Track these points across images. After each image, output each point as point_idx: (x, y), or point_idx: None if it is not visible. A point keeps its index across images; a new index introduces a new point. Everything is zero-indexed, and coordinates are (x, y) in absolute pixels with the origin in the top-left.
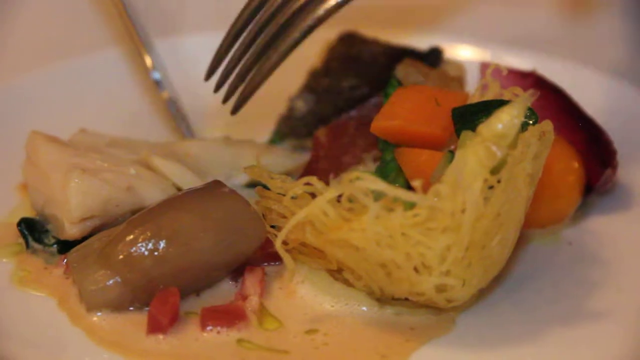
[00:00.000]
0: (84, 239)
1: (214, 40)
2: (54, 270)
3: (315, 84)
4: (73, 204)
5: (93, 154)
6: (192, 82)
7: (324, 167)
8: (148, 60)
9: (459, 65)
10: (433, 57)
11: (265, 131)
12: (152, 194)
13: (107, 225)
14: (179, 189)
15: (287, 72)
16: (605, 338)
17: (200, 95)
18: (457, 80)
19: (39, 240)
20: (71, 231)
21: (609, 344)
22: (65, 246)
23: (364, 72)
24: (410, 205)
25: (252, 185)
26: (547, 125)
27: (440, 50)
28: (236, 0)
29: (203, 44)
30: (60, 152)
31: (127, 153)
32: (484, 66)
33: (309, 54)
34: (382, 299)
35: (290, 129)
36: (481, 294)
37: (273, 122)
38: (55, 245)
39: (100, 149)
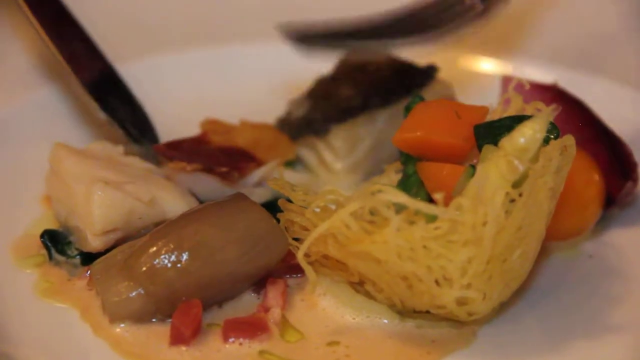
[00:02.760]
0: (107, 250)
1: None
2: (77, 282)
3: (317, 89)
4: (96, 216)
5: (114, 165)
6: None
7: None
8: None
9: (448, 85)
10: (427, 74)
11: None
12: (174, 206)
13: (129, 238)
14: (201, 201)
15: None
16: (626, 352)
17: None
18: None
19: (62, 252)
20: (94, 243)
21: (630, 358)
22: (88, 258)
23: (365, 83)
24: (432, 218)
25: None
26: (569, 140)
27: (436, 68)
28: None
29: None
30: (84, 164)
31: (142, 162)
32: (505, 80)
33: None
34: (404, 312)
35: (282, 132)
36: (502, 307)
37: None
38: (78, 257)
39: (116, 158)
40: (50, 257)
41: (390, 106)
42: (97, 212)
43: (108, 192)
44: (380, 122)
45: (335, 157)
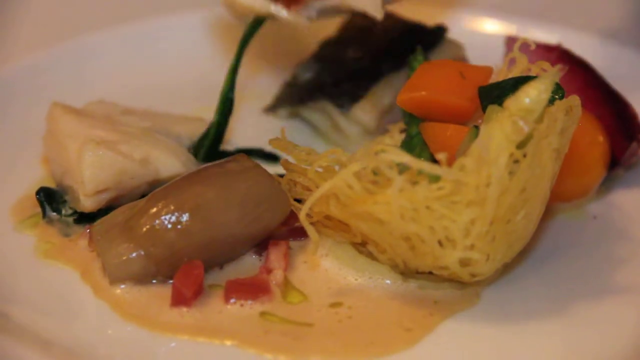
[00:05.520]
0: (102, 210)
1: None
2: (78, 242)
3: (324, 52)
4: (86, 176)
5: (111, 124)
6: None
7: None
8: None
9: (459, 45)
10: (437, 35)
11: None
12: (169, 165)
13: (123, 198)
14: (196, 154)
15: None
16: (630, 313)
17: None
18: (460, 59)
19: (56, 210)
20: (86, 203)
21: (634, 319)
22: (82, 217)
23: (372, 44)
24: (435, 179)
25: None
26: (575, 100)
27: (445, 29)
28: None
29: None
30: (78, 123)
31: (140, 121)
32: (509, 40)
33: (329, 28)
34: (406, 273)
35: (288, 95)
36: (506, 269)
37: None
38: (72, 216)
39: (114, 117)
40: (44, 214)
41: (404, 69)
42: (88, 173)
43: (98, 152)
44: (395, 85)
45: (349, 123)
